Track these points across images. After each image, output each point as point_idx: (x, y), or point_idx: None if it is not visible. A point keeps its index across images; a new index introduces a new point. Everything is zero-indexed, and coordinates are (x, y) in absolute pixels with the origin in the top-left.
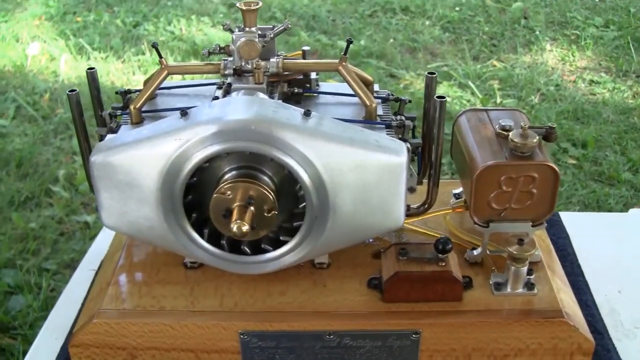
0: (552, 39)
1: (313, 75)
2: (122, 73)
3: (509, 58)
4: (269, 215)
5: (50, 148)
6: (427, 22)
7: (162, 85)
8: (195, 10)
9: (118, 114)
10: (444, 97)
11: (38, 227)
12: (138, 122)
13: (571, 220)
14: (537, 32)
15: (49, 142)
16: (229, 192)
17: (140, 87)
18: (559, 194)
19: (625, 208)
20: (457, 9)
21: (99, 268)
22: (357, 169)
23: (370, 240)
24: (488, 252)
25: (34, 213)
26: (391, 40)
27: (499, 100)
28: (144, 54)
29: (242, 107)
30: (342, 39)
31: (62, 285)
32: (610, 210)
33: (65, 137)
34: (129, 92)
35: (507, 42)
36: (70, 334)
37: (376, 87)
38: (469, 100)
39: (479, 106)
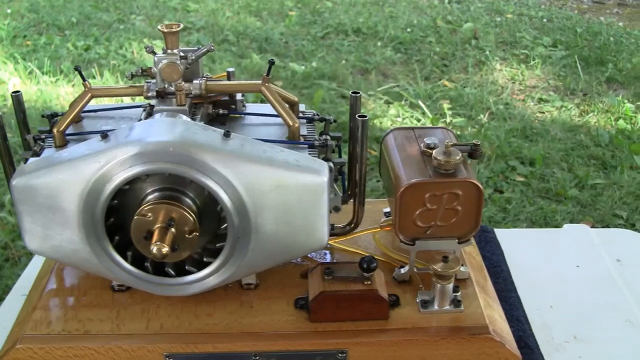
0: (502, 59)
1: (239, 96)
2: (72, 97)
3: (459, 78)
4: (191, 236)
5: None
6: (379, 44)
7: (89, 108)
8: (147, 33)
9: (43, 137)
10: (365, 116)
11: None
12: (62, 145)
13: (505, 236)
14: (488, 52)
15: None
16: (149, 214)
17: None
18: (507, 211)
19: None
20: (408, 30)
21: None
22: (278, 189)
23: (299, 260)
24: (416, 270)
25: None
26: (343, 62)
27: (449, 119)
28: (94, 77)
29: (162, 129)
30: (294, 60)
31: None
32: (557, 227)
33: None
34: (55, 115)
35: (458, 62)
36: None
37: (302, 107)
38: (419, 120)
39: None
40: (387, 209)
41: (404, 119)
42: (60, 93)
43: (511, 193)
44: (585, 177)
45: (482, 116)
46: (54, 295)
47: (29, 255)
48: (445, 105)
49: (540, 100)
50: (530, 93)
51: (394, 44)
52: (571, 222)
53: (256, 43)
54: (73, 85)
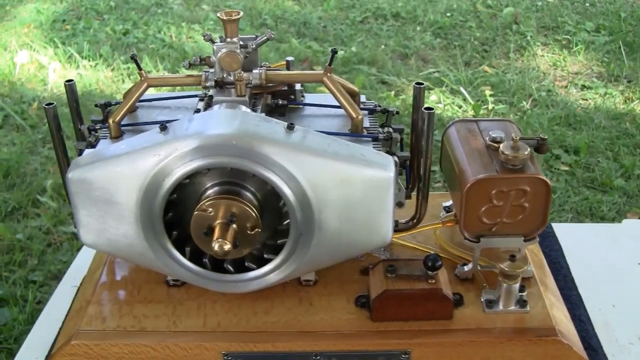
0: (544, 44)
1: (297, 86)
2: (111, 81)
3: (500, 63)
4: (252, 233)
5: (38, 157)
6: (419, 28)
7: (143, 98)
8: (185, 17)
9: (97, 127)
10: (432, 109)
11: (25, 238)
12: (117, 136)
13: (564, 231)
14: (529, 37)
15: (36, 152)
16: (210, 210)
17: None
18: (552, 202)
19: (618, 215)
20: (448, 14)
21: (80, 285)
22: (343, 185)
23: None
24: (479, 268)
25: (20, 224)
26: (382, 47)
27: (490, 106)
28: None
29: (223, 121)
30: (333, 45)
31: (48, 297)
32: (603, 218)
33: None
34: (108, 104)
35: (498, 48)
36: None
37: (363, 98)
38: (460, 107)
39: (470, 113)
40: (447, 203)
41: (445, 105)
42: (100, 77)
43: (555, 182)
44: (631, 167)
45: (524, 103)
46: (108, 289)
47: (71, 240)
48: (487, 91)
49: (584, 87)
50: (573, 79)
51: (434, 28)
52: (617, 213)
53: (294, 27)
54: (112, 70)
